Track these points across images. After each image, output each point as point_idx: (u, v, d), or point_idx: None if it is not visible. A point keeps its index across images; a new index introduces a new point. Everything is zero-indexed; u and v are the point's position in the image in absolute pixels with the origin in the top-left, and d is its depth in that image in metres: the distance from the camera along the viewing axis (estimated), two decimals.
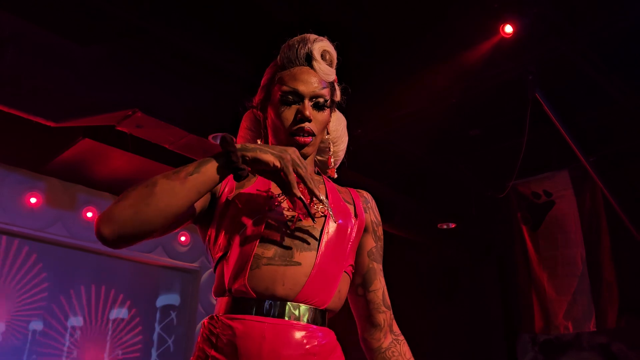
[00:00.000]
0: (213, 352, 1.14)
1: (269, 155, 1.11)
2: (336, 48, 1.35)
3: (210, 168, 1.10)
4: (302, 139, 1.26)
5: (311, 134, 1.26)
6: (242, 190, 1.26)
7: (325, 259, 1.21)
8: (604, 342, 4.77)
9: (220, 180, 1.12)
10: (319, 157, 1.42)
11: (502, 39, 3.32)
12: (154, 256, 5.47)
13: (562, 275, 4.71)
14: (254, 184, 1.27)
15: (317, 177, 1.36)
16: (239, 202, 1.23)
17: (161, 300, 5.57)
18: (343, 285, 1.26)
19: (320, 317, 1.20)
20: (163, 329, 5.50)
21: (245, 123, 1.42)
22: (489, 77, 3.67)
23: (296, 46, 1.30)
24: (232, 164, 1.09)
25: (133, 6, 3.11)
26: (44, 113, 3.62)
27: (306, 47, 1.30)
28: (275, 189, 1.26)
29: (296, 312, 1.17)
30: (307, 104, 1.27)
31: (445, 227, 5.46)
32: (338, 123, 1.42)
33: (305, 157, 1.30)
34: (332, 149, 1.40)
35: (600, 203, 4.53)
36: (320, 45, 1.31)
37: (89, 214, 5.03)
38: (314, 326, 1.18)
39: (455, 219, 5.37)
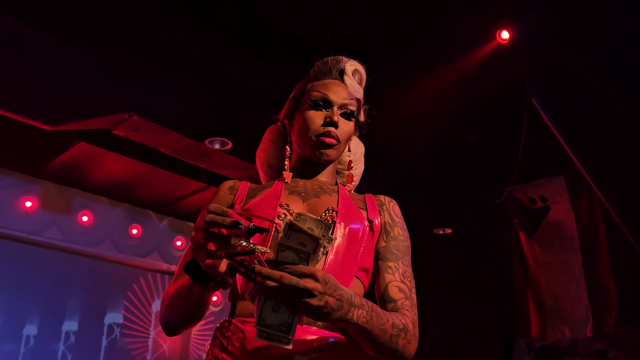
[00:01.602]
0: (224, 355, 1.15)
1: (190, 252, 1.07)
2: (366, 70, 1.44)
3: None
4: (327, 139, 1.32)
5: (336, 139, 1.33)
6: (252, 201, 1.30)
7: (334, 265, 1.21)
8: (601, 349, 4.76)
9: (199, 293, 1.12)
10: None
11: (499, 44, 3.33)
12: (150, 260, 5.44)
13: (558, 281, 4.70)
14: (265, 194, 1.32)
15: (332, 187, 1.39)
16: (249, 211, 1.27)
17: (157, 305, 5.54)
18: (354, 290, 1.24)
19: (332, 322, 1.19)
20: (158, 333, 5.47)
21: (267, 136, 1.50)
22: (486, 82, 3.67)
23: (330, 62, 1.41)
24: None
25: (130, 8, 3.10)
26: (39, 116, 3.60)
27: (340, 64, 1.40)
28: (285, 198, 1.30)
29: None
30: (336, 111, 1.34)
31: (441, 232, 5.45)
32: (357, 147, 1.50)
33: (328, 162, 1.37)
34: (353, 167, 1.46)
35: (597, 209, 4.51)
36: (353, 64, 1.42)
37: (85, 218, 5.00)
38: (326, 331, 1.18)
39: (452, 224, 5.36)
